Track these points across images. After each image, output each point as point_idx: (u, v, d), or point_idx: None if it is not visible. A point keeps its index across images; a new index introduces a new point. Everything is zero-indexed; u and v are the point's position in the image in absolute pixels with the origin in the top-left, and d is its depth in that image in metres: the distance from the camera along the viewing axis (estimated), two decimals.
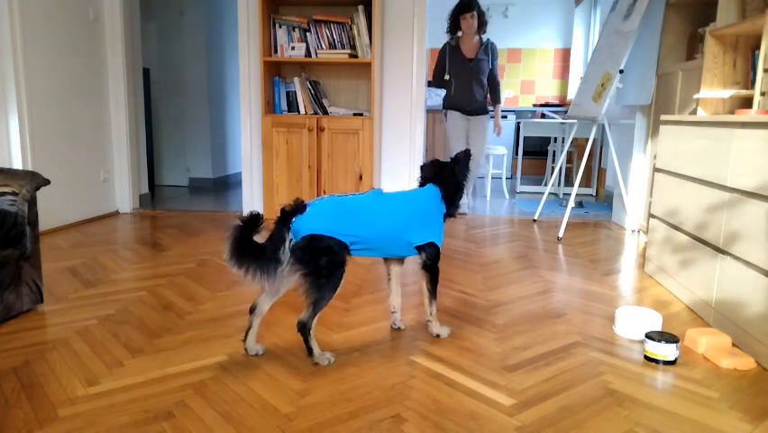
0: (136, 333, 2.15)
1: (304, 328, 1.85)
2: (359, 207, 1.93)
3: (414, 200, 2.04)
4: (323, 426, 1.53)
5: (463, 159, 2.18)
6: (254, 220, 1.75)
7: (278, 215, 1.82)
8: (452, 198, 2.12)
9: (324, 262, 1.81)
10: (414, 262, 2.13)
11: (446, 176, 2.12)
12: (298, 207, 1.81)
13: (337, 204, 1.90)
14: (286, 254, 1.79)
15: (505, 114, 7.58)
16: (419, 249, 2.04)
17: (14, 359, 1.90)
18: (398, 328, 2.22)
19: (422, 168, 2.18)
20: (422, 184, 2.15)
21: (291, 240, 1.80)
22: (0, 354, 1.94)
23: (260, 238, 1.81)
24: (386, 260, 2.18)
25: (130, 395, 1.67)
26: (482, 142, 4.88)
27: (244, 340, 1.95)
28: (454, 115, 4.82)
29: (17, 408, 1.59)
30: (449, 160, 2.21)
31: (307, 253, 1.80)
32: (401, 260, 2.19)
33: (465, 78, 4.74)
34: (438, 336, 2.16)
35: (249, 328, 1.94)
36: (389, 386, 1.76)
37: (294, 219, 1.81)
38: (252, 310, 1.92)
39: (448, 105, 4.87)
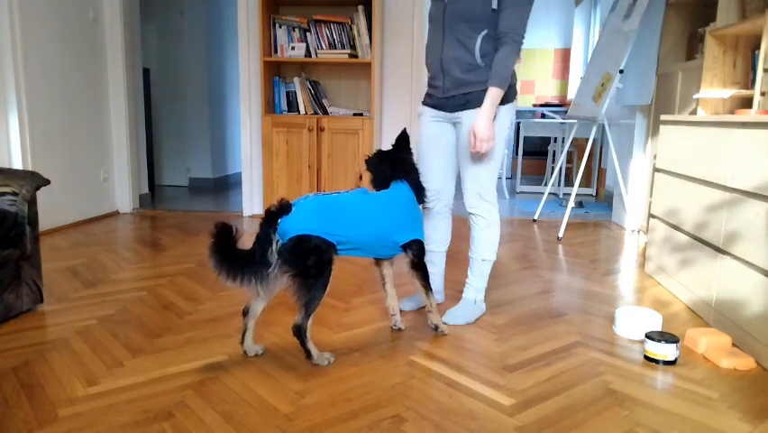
0: (136, 333, 2.15)
1: (300, 331, 1.84)
2: (345, 207, 1.92)
3: (395, 200, 2.05)
4: (323, 426, 1.53)
5: (403, 142, 2.17)
6: (224, 232, 1.72)
7: (264, 216, 1.80)
8: (418, 186, 2.14)
9: (311, 262, 1.80)
10: (405, 262, 2.11)
11: (402, 169, 2.12)
12: (284, 208, 1.80)
13: (323, 203, 1.88)
14: (273, 256, 1.78)
15: None
16: (404, 247, 2.06)
17: (14, 359, 1.90)
18: (399, 329, 2.22)
19: (368, 162, 2.15)
20: (384, 182, 2.11)
21: (278, 241, 1.79)
22: (0, 354, 1.94)
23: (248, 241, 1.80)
24: (377, 263, 2.18)
25: (130, 395, 1.67)
26: (485, 171, 2.24)
27: (241, 343, 1.95)
28: (424, 117, 2.37)
29: (17, 408, 1.59)
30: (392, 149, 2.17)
31: (295, 254, 1.79)
32: (391, 261, 2.18)
33: (437, 34, 2.25)
34: (437, 327, 2.16)
35: (244, 331, 1.94)
36: (389, 386, 1.76)
37: (280, 220, 1.80)
38: (246, 313, 1.92)
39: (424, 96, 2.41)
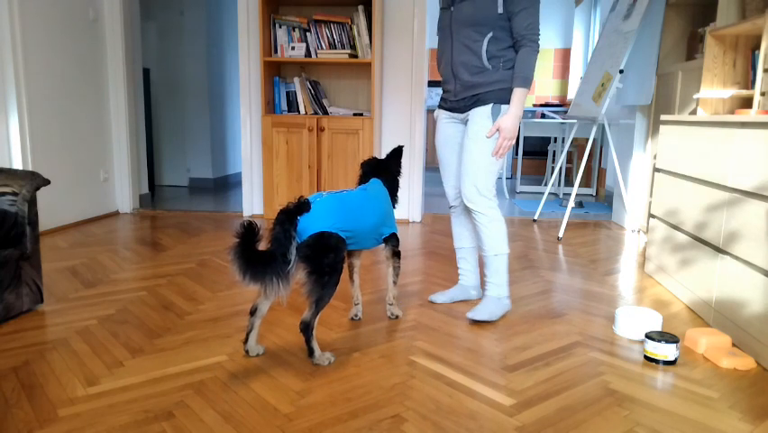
0: (136, 333, 2.15)
1: (307, 328, 1.86)
2: (354, 203, 2.00)
3: (379, 193, 2.17)
4: (323, 426, 1.53)
5: (395, 154, 2.38)
6: (251, 231, 1.69)
7: (281, 215, 1.79)
8: (393, 189, 2.33)
9: (329, 260, 1.83)
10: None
11: (383, 170, 2.32)
12: (303, 206, 1.81)
13: (338, 201, 1.94)
14: (292, 254, 1.78)
15: None
16: (386, 240, 2.20)
17: (14, 359, 1.90)
18: (359, 319, 2.33)
19: (362, 165, 2.35)
20: (364, 178, 2.29)
21: (294, 239, 1.80)
22: (0, 354, 1.94)
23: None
24: (349, 254, 2.25)
25: (130, 395, 1.67)
26: (485, 166, 2.25)
27: (245, 342, 1.95)
28: (440, 119, 2.49)
29: (17, 408, 1.59)
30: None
31: (315, 251, 1.81)
32: (360, 253, 2.31)
33: (446, 41, 2.33)
34: (397, 316, 2.35)
35: (250, 330, 1.93)
36: (389, 386, 1.76)
37: (299, 218, 1.81)
38: (253, 312, 1.92)
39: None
